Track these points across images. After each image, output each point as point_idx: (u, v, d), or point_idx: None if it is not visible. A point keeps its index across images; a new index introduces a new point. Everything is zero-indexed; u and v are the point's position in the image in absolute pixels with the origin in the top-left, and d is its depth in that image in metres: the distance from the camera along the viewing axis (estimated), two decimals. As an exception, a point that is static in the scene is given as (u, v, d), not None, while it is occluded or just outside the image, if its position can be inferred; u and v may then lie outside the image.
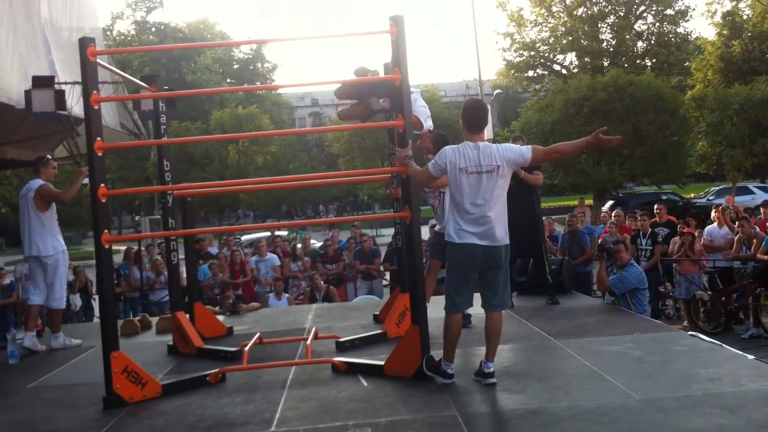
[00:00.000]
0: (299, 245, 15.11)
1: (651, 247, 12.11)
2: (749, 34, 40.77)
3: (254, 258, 13.77)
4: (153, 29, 61.60)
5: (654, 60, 44.03)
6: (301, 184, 17.93)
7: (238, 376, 6.21)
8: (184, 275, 8.52)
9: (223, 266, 13.25)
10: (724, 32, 41.62)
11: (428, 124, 7.30)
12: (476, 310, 5.94)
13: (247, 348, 6.66)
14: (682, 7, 44.43)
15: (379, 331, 7.40)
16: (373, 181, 29.12)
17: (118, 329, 6.19)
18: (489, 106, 20.22)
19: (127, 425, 5.23)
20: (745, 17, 42.32)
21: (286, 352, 7.05)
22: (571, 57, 46.72)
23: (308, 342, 6.80)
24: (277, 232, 17.50)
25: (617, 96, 31.03)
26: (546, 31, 46.05)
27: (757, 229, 11.85)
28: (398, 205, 7.10)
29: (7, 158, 12.52)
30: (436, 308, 6.63)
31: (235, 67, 65.56)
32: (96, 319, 13.01)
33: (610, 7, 44.89)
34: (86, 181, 7.56)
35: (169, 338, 7.78)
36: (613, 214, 14.71)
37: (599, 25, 44.68)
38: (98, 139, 5.67)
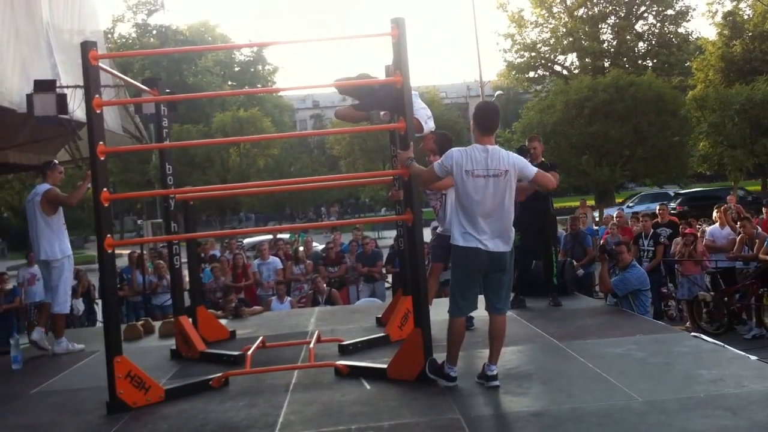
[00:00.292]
0: (301, 248, 15.11)
1: (653, 248, 12.12)
2: (750, 34, 40.76)
3: (256, 261, 13.78)
4: (154, 32, 61.59)
5: (655, 60, 44.05)
6: (302, 187, 17.99)
7: (242, 380, 6.21)
8: (187, 279, 8.53)
9: (226, 270, 13.26)
10: (725, 32, 41.61)
11: (429, 125, 7.28)
12: (479, 312, 5.93)
13: (250, 352, 6.66)
14: (683, 8, 44.51)
15: (382, 334, 7.39)
16: (374, 183, 29.14)
17: (121, 334, 6.19)
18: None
19: (130, 430, 5.23)
20: (746, 17, 42.31)
21: (289, 356, 7.04)
22: (572, 58, 46.81)
23: (311, 345, 6.79)
24: (279, 235, 17.51)
25: (618, 97, 31.04)
26: (547, 32, 46.11)
27: (759, 229, 11.84)
28: (400, 208, 7.11)
29: (9, 162, 12.55)
30: (438, 311, 6.64)
31: (236, 69, 65.55)
32: (99, 324, 13.02)
33: (610, 8, 44.93)
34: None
35: (172, 342, 7.78)
36: (614, 216, 14.73)
37: (600, 26, 44.71)
38: (101, 143, 5.68)
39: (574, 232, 12.32)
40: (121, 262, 15.23)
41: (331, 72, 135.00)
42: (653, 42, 45.10)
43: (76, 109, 9.87)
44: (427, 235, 7.47)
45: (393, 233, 8.82)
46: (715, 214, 13.19)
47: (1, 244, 54.12)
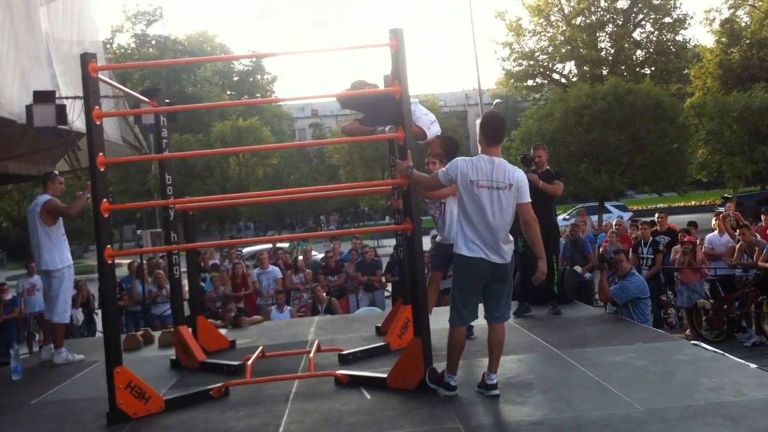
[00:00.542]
0: (300, 257, 15.11)
1: (652, 256, 12.12)
2: (748, 42, 40.88)
3: (256, 270, 13.78)
4: (153, 42, 61.69)
5: (653, 68, 44.09)
6: (302, 197, 18.02)
7: (242, 389, 6.21)
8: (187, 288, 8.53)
9: (225, 279, 13.26)
10: (723, 40, 41.73)
11: (433, 130, 7.20)
12: (478, 321, 5.94)
13: (250, 362, 6.66)
14: (681, 15, 44.54)
15: (382, 344, 7.39)
16: (374, 192, 29.16)
17: (121, 344, 6.20)
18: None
19: (130, 440, 5.24)
20: (743, 24, 42.44)
21: (289, 366, 7.04)
22: (570, 66, 46.83)
23: (311, 355, 6.80)
24: (278, 244, 17.51)
25: (617, 104, 31.05)
26: (545, 41, 46.15)
27: (758, 236, 11.85)
28: (399, 217, 7.11)
29: (8, 173, 12.57)
30: (437, 320, 6.64)
31: (235, 79, 65.66)
32: (98, 334, 13.02)
33: (608, 16, 45.00)
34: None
35: (171, 352, 7.78)
36: (614, 224, 14.74)
37: (598, 34, 44.76)
38: (100, 154, 5.69)
39: (574, 239, 12.32)
40: (121, 272, 15.23)
41: (330, 81, 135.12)
42: (651, 50, 45.16)
43: (76, 119, 9.90)
44: (426, 243, 7.46)
45: (392, 242, 8.82)
46: (713, 221, 13.20)
47: (0, 254, 54.12)
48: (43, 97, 9.11)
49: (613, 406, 5.08)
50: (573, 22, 44.81)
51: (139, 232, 46.35)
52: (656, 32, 45.31)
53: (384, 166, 36.51)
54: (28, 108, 9.01)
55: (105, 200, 5.71)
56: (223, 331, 9.11)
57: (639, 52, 45.75)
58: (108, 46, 54.84)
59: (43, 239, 8.14)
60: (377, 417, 5.23)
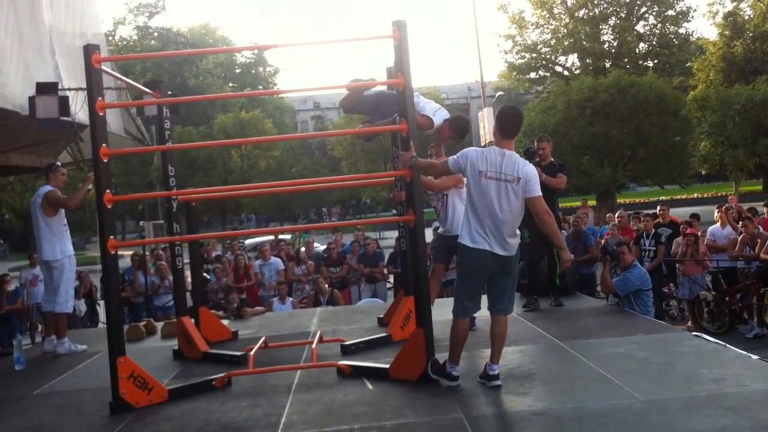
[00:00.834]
0: (303, 249, 15.13)
1: (654, 248, 12.12)
2: (751, 35, 40.81)
3: (258, 262, 13.80)
4: (155, 34, 61.68)
5: (656, 61, 44.08)
6: (304, 188, 18.01)
7: (244, 380, 6.23)
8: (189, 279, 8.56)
9: (227, 270, 13.28)
10: (726, 32, 41.66)
11: (438, 117, 7.14)
12: (480, 312, 5.94)
13: (252, 352, 6.68)
14: (684, 8, 44.52)
15: (384, 335, 7.40)
16: (376, 185, 29.14)
17: (124, 335, 6.21)
18: (492, 109, 20.25)
19: (134, 430, 5.25)
20: (746, 17, 42.35)
21: (291, 356, 7.06)
22: (572, 58, 46.85)
23: (313, 346, 6.81)
24: (280, 236, 17.52)
25: (619, 97, 31.06)
26: (547, 33, 46.15)
27: (761, 228, 11.84)
28: (402, 209, 7.12)
29: (11, 164, 12.57)
30: (440, 311, 6.65)
31: (237, 71, 65.58)
32: (101, 325, 13.06)
33: (611, 9, 44.97)
34: (91, 186, 7.64)
35: (174, 343, 7.80)
36: (615, 216, 14.75)
37: (601, 27, 44.74)
38: (104, 145, 5.70)
39: (577, 231, 12.32)
40: (123, 263, 15.25)
41: (332, 72, 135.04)
42: (654, 42, 45.16)
43: (78, 111, 9.90)
44: (429, 235, 7.47)
45: (395, 233, 8.81)
46: (716, 213, 13.20)
47: (2, 246, 54.21)
48: (46, 88, 9.11)
49: (614, 397, 5.09)
50: (576, 14, 44.78)
51: (141, 223, 46.45)
52: (659, 25, 45.29)
53: (386, 158, 36.55)
54: (31, 99, 9.01)
55: (108, 191, 5.71)
56: (225, 322, 9.12)
57: (642, 44, 45.74)
58: (110, 38, 54.80)
59: (43, 230, 8.16)
60: (379, 407, 5.24)
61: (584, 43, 43.37)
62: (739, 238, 11.76)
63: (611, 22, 45.14)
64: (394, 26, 5.82)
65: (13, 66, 10.20)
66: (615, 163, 31.76)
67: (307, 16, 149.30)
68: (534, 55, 46.06)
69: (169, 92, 8.28)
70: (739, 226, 12.02)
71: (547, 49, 46.22)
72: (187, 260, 8.14)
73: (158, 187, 37.00)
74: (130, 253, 15.04)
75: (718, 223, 12.78)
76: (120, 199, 7.00)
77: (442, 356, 5.67)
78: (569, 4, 45.09)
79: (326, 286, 12.75)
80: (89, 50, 5.72)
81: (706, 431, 4.38)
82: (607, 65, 43.12)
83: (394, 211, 8.00)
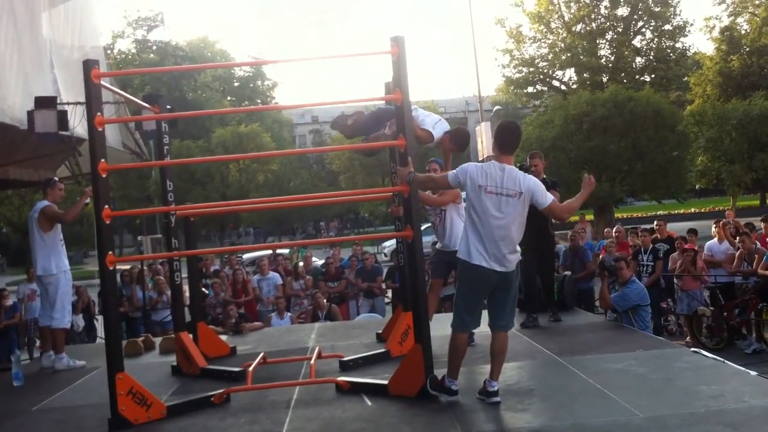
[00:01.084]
0: (301, 263, 15.11)
1: (653, 263, 12.13)
2: (747, 49, 41.00)
3: (256, 277, 13.77)
4: (154, 48, 61.85)
5: (653, 75, 44.19)
6: (302, 204, 17.97)
7: (243, 396, 6.22)
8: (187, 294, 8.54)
9: (225, 285, 13.26)
10: (723, 47, 41.85)
11: (439, 130, 7.09)
12: (480, 328, 5.94)
13: (251, 368, 6.67)
14: (680, 23, 44.64)
15: (383, 350, 7.40)
16: (374, 200, 29.15)
17: (123, 350, 6.20)
18: (489, 123, 20.28)
19: (132, 446, 5.24)
20: (743, 32, 42.56)
21: (290, 372, 7.05)
22: (570, 73, 46.92)
23: (312, 361, 6.81)
24: (278, 251, 17.49)
25: (617, 112, 31.13)
26: (545, 48, 46.25)
27: (758, 244, 11.86)
28: (400, 224, 7.12)
29: (9, 178, 12.55)
30: (438, 326, 6.65)
31: (236, 84, 65.76)
32: (99, 340, 13.01)
33: (608, 24, 45.11)
34: (88, 200, 7.65)
35: (172, 358, 7.79)
36: (613, 231, 14.76)
37: (598, 41, 44.86)
38: (102, 160, 5.70)
39: (574, 246, 12.33)
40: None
41: (331, 86, 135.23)
42: (651, 57, 45.25)
43: (77, 125, 9.90)
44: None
45: (393, 248, 8.82)
46: (713, 228, 13.21)
47: (0, 260, 54.09)
48: (45, 102, 9.11)
49: (613, 413, 5.08)
50: (573, 29, 44.92)
51: (139, 238, 46.44)
52: (656, 40, 45.40)
53: (384, 173, 36.52)
54: (30, 114, 9.02)
55: (107, 206, 5.72)
56: (223, 338, 9.11)
57: (639, 59, 45.84)
58: (109, 51, 54.93)
59: (39, 245, 8.18)
60: (378, 424, 5.24)
61: (581, 57, 43.47)
62: (737, 254, 11.77)
63: (608, 36, 45.26)
64: (392, 42, 5.84)
65: (12, 79, 10.20)
66: (612, 178, 31.80)
67: (307, 16, 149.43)
68: (531, 69, 46.17)
69: (168, 106, 8.30)
70: (737, 241, 12.03)
71: (544, 64, 46.33)
72: (185, 275, 8.13)
73: (156, 200, 36.97)
74: (125, 267, 14.98)
75: (716, 239, 12.80)
76: (119, 214, 7.00)
77: (440, 372, 5.66)
78: (566, 18, 45.25)
79: (324, 301, 12.73)
80: (89, 65, 5.74)
81: (705, 448, 4.38)
82: (605, 80, 43.20)
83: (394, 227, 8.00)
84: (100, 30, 15.80)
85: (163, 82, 55.64)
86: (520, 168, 8.82)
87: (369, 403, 5.77)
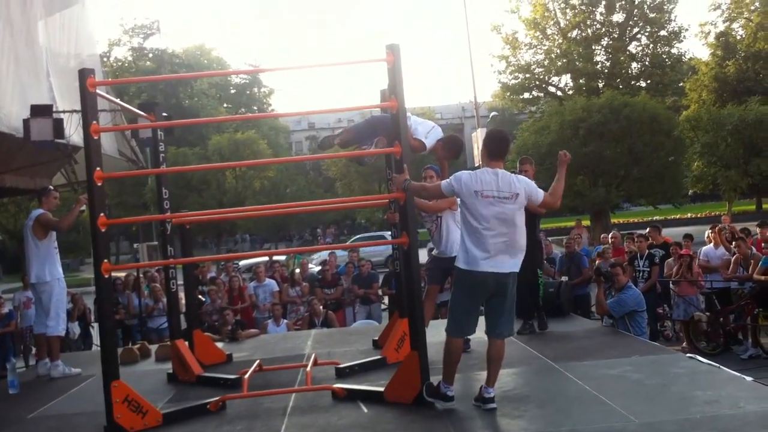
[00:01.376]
0: (297, 270, 15.11)
1: (648, 269, 12.14)
2: (743, 54, 41.09)
3: (252, 283, 13.77)
4: (150, 55, 61.82)
5: (648, 81, 44.24)
6: (299, 210, 17.98)
7: (239, 403, 6.21)
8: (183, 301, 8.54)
9: (222, 292, 13.25)
10: (718, 53, 41.93)
11: (431, 138, 7.08)
12: (475, 334, 5.94)
13: (247, 375, 6.66)
14: (676, 28, 44.71)
15: (379, 357, 7.39)
16: (370, 206, 29.14)
17: (118, 358, 6.19)
18: (486, 129, 20.30)
19: (128, 454, 5.23)
20: (738, 37, 42.66)
21: (286, 379, 7.05)
22: (566, 79, 46.94)
23: (308, 368, 6.80)
24: (275, 257, 17.49)
25: (613, 117, 31.19)
26: (541, 54, 46.28)
27: (754, 249, 11.88)
28: (396, 231, 7.12)
29: (5, 186, 12.55)
30: (434, 333, 6.65)
31: (232, 91, 65.77)
32: (95, 347, 12.99)
33: (604, 29, 45.16)
34: (83, 207, 7.65)
35: (168, 366, 7.78)
36: (609, 237, 14.77)
37: (594, 47, 44.90)
38: (98, 168, 5.71)
39: (570, 252, 12.34)
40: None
41: (327, 92, 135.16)
42: (647, 63, 45.30)
43: (73, 133, 9.91)
44: (423, 256, 7.47)
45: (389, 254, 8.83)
46: (709, 234, 13.23)
47: (-4, 268, 53.96)
48: (41, 111, 9.12)
49: (609, 419, 5.08)
50: (569, 35, 44.97)
51: (135, 245, 46.37)
52: (652, 45, 45.46)
53: (381, 179, 36.59)
54: (26, 122, 9.03)
55: (102, 214, 5.72)
56: (219, 345, 9.10)
57: (634, 65, 45.90)
58: (105, 59, 54.93)
59: (33, 252, 8.19)
60: (375, 431, 5.23)
61: (577, 63, 43.53)
62: (733, 259, 11.79)
63: (604, 42, 45.31)
64: (387, 50, 5.85)
65: (8, 87, 10.21)
66: (609, 183, 31.86)
67: (307, 16, 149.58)
68: (527, 75, 46.19)
69: (164, 114, 8.30)
70: (733, 246, 12.05)
71: (540, 70, 46.36)
72: (181, 282, 8.12)
73: (152, 207, 36.94)
74: (120, 275, 14.96)
75: (711, 244, 12.81)
76: (115, 222, 6.99)
77: (436, 379, 5.66)
78: (562, 25, 45.31)
79: (321, 307, 12.72)
80: (84, 74, 5.74)
81: (700, 454, 4.38)
82: (600, 85, 43.27)
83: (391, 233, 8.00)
84: (97, 38, 15.84)
85: (160, 89, 55.61)
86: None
87: (365, 410, 5.76)
